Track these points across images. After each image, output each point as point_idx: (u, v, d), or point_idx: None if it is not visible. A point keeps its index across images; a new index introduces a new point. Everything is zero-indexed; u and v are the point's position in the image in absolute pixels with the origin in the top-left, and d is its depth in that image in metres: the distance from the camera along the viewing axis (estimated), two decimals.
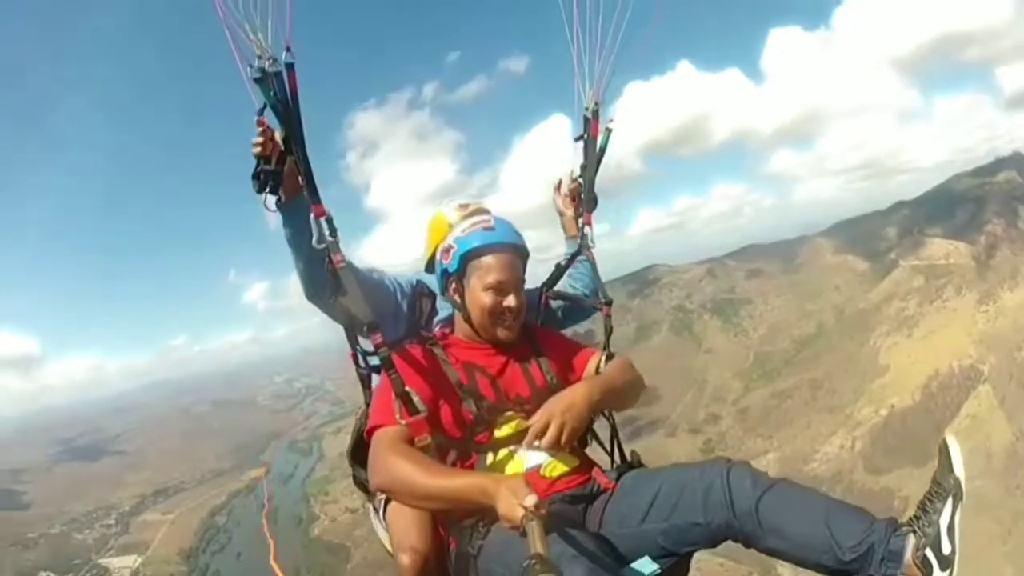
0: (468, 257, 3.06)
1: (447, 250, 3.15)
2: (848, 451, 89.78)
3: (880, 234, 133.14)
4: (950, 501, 2.43)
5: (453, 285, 3.17)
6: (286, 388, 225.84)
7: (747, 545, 2.59)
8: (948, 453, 2.55)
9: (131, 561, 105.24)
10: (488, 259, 3.06)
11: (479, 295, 3.06)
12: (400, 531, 3.24)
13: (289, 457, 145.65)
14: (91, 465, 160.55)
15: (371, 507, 3.68)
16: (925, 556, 2.36)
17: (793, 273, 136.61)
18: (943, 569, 2.36)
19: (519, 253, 3.18)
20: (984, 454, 77.75)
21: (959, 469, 2.50)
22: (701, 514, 2.59)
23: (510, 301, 3.08)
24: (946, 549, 2.37)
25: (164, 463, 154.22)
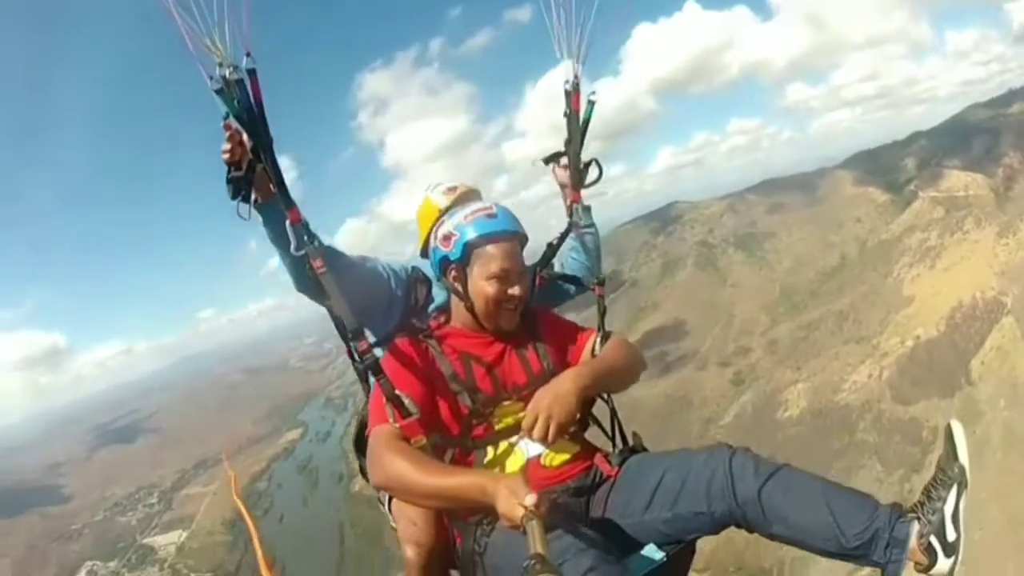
0: (471, 245, 3.05)
1: (447, 237, 3.12)
2: (876, 380, 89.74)
3: (899, 165, 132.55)
4: (955, 489, 2.48)
5: (454, 273, 3.15)
6: (316, 349, 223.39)
7: (751, 531, 2.65)
8: (953, 439, 2.59)
9: (176, 536, 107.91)
10: (492, 248, 3.06)
11: (483, 284, 3.06)
12: (405, 525, 3.35)
13: (325, 415, 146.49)
14: (129, 447, 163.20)
15: (377, 498, 3.77)
16: (929, 543, 2.41)
17: (814, 206, 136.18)
18: (947, 556, 2.42)
19: (521, 240, 3.19)
20: (1010, 385, 77.94)
21: (963, 456, 2.54)
22: (704, 503, 2.64)
23: (515, 290, 3.09)
24: (951, 536, 2.42)
25: (202, 436, 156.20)
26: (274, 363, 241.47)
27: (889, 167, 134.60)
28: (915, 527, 2.46)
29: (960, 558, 2.44)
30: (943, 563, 2.43)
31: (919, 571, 2.50)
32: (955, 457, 2.56)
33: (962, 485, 2.50)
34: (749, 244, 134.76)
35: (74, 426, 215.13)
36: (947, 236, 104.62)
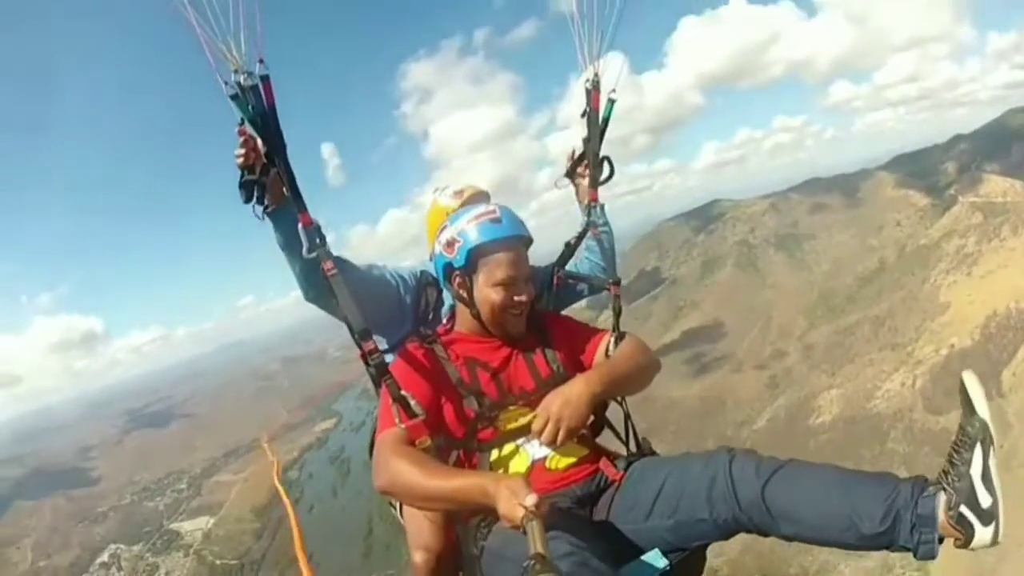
0: (476, 252, 3.01)
1: (451, 243, 3.08)
2: (909, 389, 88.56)
3: (939, 168, 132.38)
4: (979, 447, 2.27)
5: (458, 280, 3.11)
6: None
7: (763, 534, 2.57)
8: (968, 394, 2.38)
9: (203, 523, 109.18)
10: (499, 255, 3.02)
11: (489, 292, 3.04)
12: (414, 530, 3.32)
13: (360, 405, 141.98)
14: (160, 432, 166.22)
15: (389, 502, 3.65)
16: (961, 514, 2.21)
17: (855, 207, 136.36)
18: (986, 524, 2.20)
19: (526, 243, 3.15)
20: None
21: (983, 409, 2.32)
22: (706, 509, 2.59)
23: (522, 296, 3.06)
24: (985, 502, 2.21)
25: (235, 424, 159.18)
26: (312, 352, 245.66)
27: (930, 170, 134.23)
28: (941, 499, 2.27)
29: (1002, 524, 2.21)
30: (982, 533, 2.22)
31: (958, 547, 2.30)
32: (973, 412, 2.35)
33: (986, 442, 2.28)
34: (789, 245, 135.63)
35: (106, 410, 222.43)
36: (984, 243, 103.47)
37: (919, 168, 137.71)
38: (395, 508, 3.69)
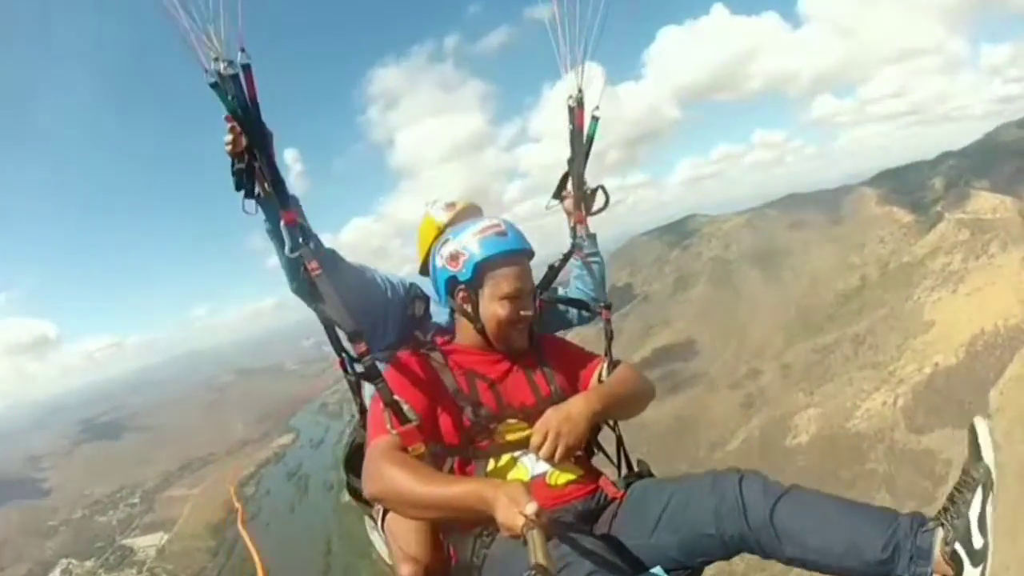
0: (483, 266, 3.02)
1: (455, 256, 3.07)
2: (890, 408, 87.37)
3: (926, 185, 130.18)
4: (980, 491, 2.37)
5: (462, 293, 3.10)
6: (314, 352, 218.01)
7: (765, 556, 2.57)
8: (976, 439, 2.48)
9: (157, 539, 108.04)
10: (505, 269, 3.03)
11: (495, 306, 3.04)
12: (400, 541, 3.22)
13: (319, 421, 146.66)
14: (113, 444, 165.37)
15: (367, 518, 3.75)
16: (954, 551, 2.31)
17: (836, 224, 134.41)
18: (975, 565, 2.30)
19: (529, 257, 3.17)
20: None
21: (988, 457, 2.43)
22: (713, 525, 2.58)
23: (528, 310, 3.08)
24: (977, 543, 2.32)
25: (189, 437, 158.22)
26: (268, 365, 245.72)
27: (916, 186, 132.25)
28: (939, 534, 2.36)
29: (989, 567, 2.31)
30: (970, 573, 2.31)
31: None
32: (979, 457, 2.44)
33: (987, 487, 2.38)
34: (766, 262, 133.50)
35: (58, 418, 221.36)
36: (971, 260, 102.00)
37: (904, 184, 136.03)
38: (375, 520, 3.56)
